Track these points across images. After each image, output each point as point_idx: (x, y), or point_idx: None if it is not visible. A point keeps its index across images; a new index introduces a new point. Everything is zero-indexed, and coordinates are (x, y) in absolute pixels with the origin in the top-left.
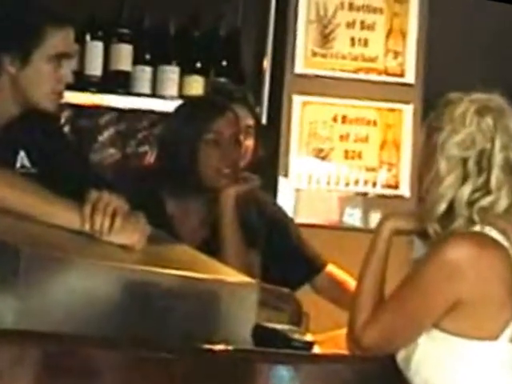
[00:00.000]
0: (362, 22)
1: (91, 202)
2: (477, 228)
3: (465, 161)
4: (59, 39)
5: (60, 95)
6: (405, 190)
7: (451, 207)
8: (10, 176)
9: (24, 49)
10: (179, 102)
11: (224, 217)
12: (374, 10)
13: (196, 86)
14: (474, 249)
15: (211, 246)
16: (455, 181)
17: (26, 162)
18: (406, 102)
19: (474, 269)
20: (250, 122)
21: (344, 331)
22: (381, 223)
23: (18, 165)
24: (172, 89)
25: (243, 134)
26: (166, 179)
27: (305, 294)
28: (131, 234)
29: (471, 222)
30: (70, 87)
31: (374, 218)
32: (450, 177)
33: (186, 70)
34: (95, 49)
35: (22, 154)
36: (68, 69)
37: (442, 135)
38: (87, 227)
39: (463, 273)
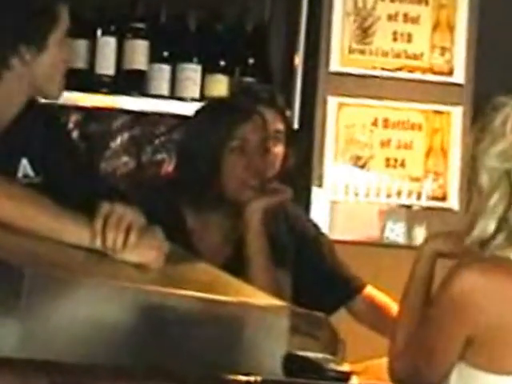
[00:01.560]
0: (406, 15)
1: (103, 216)
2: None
3: (509, 174)
4: (66, 16)
5: (64, 79)
6: (453, 202)
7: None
8: (11, 186)
9: (41, 33)
10: (200, 104)
11: (250, 233)
12: (419, 1)
13: (219, 86)
14: (483, 277)
15: (235, 265)
16: (502, 197)
17: (29, 171)
18: (455, 104)
19: (486, 298)
20: (280, 126)
21: (384, 360)
22: (422, 246)
23: (20, 174)
24: (193, 90)
25: (271, 140)
26: (185, 190)
27: (341, 320)
28: (147, 251)
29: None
30: (79, 88)
31: (419, 233)
32: (495, 194)
33: (209, 69)
34: (107, 45)
35: (24, 161)
36: (70, 47)
37: (482, 145)
38: (98, 244)
39: (475, 304)
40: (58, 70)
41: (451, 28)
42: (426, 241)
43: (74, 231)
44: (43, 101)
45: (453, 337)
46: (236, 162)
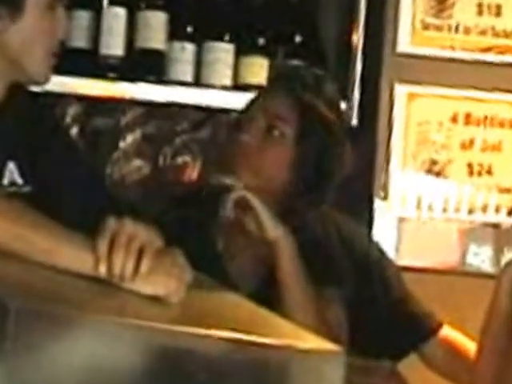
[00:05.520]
0: None
1: (108, 236)
2: None
3: None
4: None
5: (53, 59)
6: None
7: None
8: None
9: None
10: (233, 93)
11: (281, 261)
12: None
13: (258, 70)
14: None
15: (271, 295)
16: None
17: (17, 178)
18: None
19: None
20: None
21: None
22: (502, 271)
23: (6, 181)
24: (223, 75)
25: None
26: (214, 202)
27: (412, 368)
28: (164, 280)
29: None
30: (80, 72)
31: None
32: None
33: (244, 49)
34: (115, 18)
35: (10, 166)
36: (63, 20)
37: None
38: (103, 270)
39: None
40: (39, 42)
41: None
42: (507, 267)
43: (72, 254)
44: (34, 89)
45: None
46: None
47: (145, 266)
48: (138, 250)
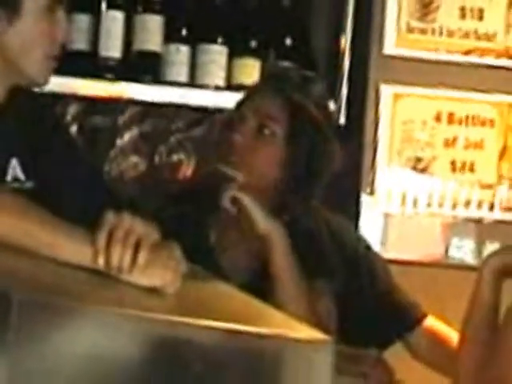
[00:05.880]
0: None
1: (107, 229)
2: None
3: None
4: None
5: (52, 62)
6: None
7: None
8: None
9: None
10: (226, 93)
11: (274, 254)
12: None
13: (250, 71)
14: None
15: (264, 284)
16: None
17: (20, 174)
18: None
19: None
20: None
21: None
22: (483, 265)
23: (9, 177)
24: (217, 76)
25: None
26: (207, 197)
27: (396, 357)
28: (161, 272)
29: None
30: (79, 73)
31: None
32: None
33: (237, 51)
34: (113, 22)
35: (13, 162)
36: (64, 24)
37: None
38: (101, 262)
39: None
40: (38, 44)
41: None
42: (491, 256)
43: (72, 247)
44: (36, 89)
45: None
46: None
47: (142, 258)
48: (136, 243)
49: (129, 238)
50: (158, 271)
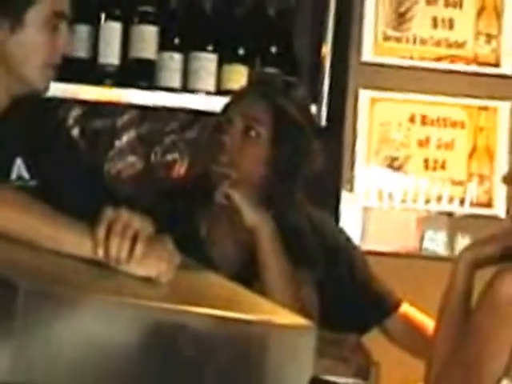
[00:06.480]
0: None
1: (106, 223)
2: None
3: None
4: None
5: (53, 70)
6: (500, 208)
7: None
8: (2, 190)
9: (16, 7)
10: (216, 98)
11: (262, 244)
12: None
13: (238, 77)
14: None
15: (252, 273)
16: None
17: (24, 173)
18: (502, 99)
19: None
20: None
21: None
22: (458, 257)
23: (14, 176)
24: (207, 82)
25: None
26: (199, 194)
27: (374, 341)
28: (156, 263)
29: None
30: (80, 79)
31: (462, 243)
32: None
33: (226, 59)
34: (112, 31)
35: (18, 162)
36: (65, 35)
37: None
38: (100, 254)
39: None
40: (39, 53)
41: (498, 13)
42: (465, 248)
43: (73, 240)
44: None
45: (498, 347)
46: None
47: (138, 250)
48: (133, 236)
49: (126, 231)
50: (154, 262)
